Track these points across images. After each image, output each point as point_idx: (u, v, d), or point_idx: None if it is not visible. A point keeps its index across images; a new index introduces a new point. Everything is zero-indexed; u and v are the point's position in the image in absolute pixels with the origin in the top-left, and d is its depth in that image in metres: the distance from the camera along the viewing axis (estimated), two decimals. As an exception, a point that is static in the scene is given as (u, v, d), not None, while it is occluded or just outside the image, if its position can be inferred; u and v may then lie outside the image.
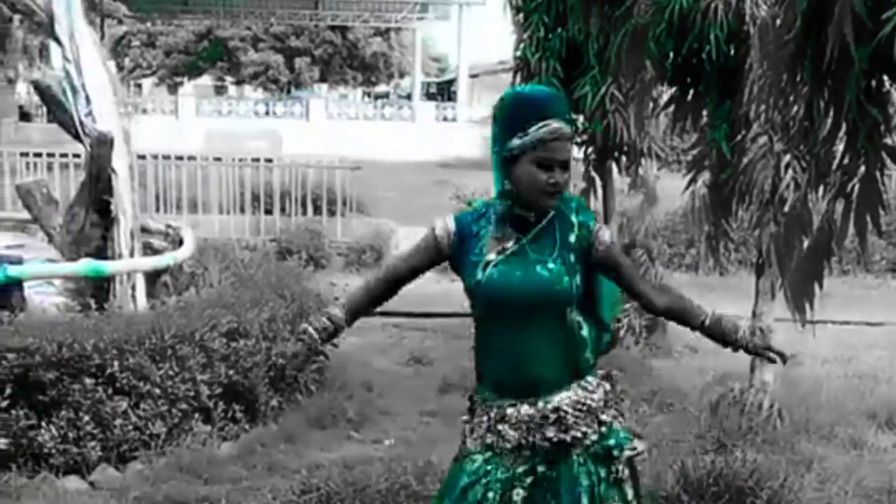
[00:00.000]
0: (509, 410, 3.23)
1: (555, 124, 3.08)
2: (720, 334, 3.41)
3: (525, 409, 3.21)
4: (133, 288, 7.74)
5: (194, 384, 6.68)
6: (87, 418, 6.18)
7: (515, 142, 3.10)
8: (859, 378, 8.80)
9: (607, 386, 3.35)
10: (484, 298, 3.19)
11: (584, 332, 3.29)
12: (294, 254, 14.25)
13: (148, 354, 6.51)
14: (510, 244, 3.17)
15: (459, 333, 9.97)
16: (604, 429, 3.26)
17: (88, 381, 6.20)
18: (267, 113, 39.90)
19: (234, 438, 6.95)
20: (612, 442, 3.26)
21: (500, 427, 3.23)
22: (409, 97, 46.27)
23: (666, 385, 8.32)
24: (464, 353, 9.19)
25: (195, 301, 7.43)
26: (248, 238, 15.55)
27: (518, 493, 3.19)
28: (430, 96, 52.58)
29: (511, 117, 3.15)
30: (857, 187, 4.05)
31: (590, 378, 3.31)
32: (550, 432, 3.20)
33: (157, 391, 6.50)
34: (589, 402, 3.25)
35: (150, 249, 8.65)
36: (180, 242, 8.78)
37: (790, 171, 5.89)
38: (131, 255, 8.00)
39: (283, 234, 15.40)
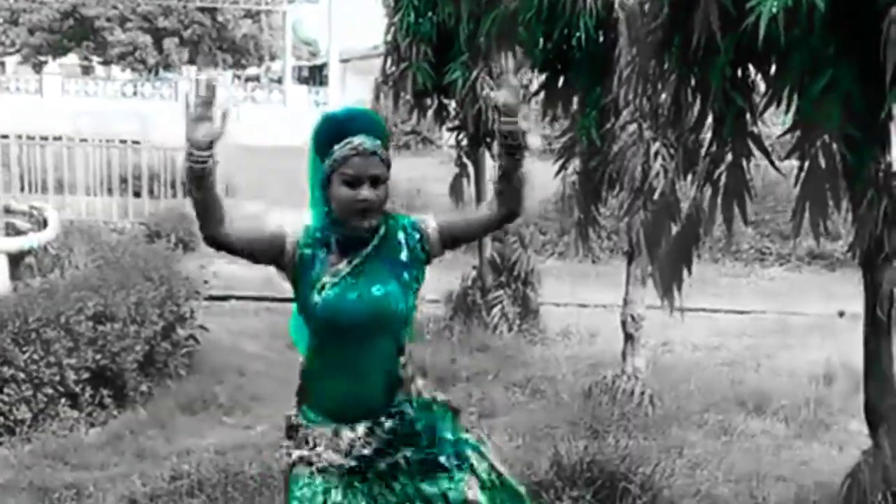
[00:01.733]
0: (328, 433, 3.20)
1: (356, 140, 3.08)
2: (500, 174, 3.24)
3: (347, 433, 3.18)
4: (-5, 269, 7.51)
5: (60, 368, 6.52)
6: (-54, 404, 6.00)
7: (326, 163, 3.11)
8: (729, 365, 9.06)
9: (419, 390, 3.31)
10: (320, 321, 3.14)
11: (404, 371, 3.26)
12: (163, 237, 13.96)
13: (11, 338, 6.33)
14: (342, 266, 3.14)
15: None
16: (425, 439, 3.24)
17: (-52, 365, 6.01)
18: (135, 94, 39.03)
19: (103, 424, 6.81)
20: (434, 451, 3.23)
21: (324, 452, 3.19)
22: (280, 81, 45.75)
23: (539, 372, 8.43)
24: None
25: (60, 284, 7.25)
26: (116, 221, 15.25)
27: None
28: (302, 80, 52.11)
29: (320, 141, 3.16)
30: (724, 175, 4.15)
31: (409, 388, 3.27)
32: (372, 452, 3.18)
33: (22, 375, 6.33)
34: (407, 414, 3.23)
35: (12, 230, 8.40)
36: (44, 224, 8.55)
37: (659, 159, 6.01)
38: (-7, 235, 7.76)
39: (152, 217, 15.12)
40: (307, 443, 3.22)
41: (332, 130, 3.13)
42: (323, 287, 3.11)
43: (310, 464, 3.19)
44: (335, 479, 3.17)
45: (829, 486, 5.41)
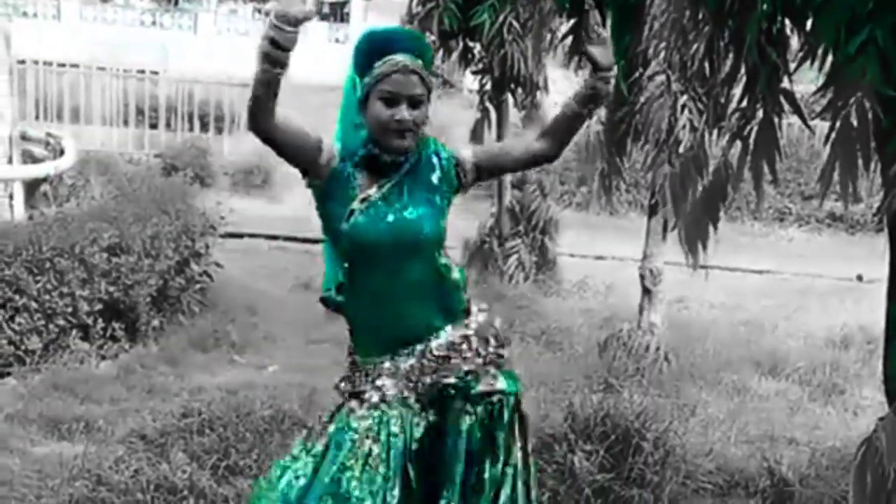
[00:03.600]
0: (387, 364, 3.17)
1: (398, 57, 3.01)
2: (584, 98, 3.24)
3: (402, 361, 3.16)
4: (11, 197, 7.48)
5: (73, 299, 6.51)
6: (-43, 331, 5.99)
7: (365, 80, 3.04)
8: (745, 325, 9.02)
9: (482, 324, 3.28)
10: (351, 246, 3.08)
11: (454, 274, 3.23)
12: (179, 170, 13.88)
13: (25, 266, 6.31)
14: (374, 190, 3.08)
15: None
16: (480, 370, 3.21)
17: (-40, 292, 5.99)
18: (154, 24, 38.73)
19: (114, 358, 6.81)
20: (485, 387, 3.20)
21: (378, 382, 3.16)
22: (301, 16, 45.43)
23: (554, 324, 8.39)
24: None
25: (76, 213, 7.22)
26: (132, 152, 15.20)
27: (413, 443, 3.16)
28: (322, 17, 51.73)
29: (360, 57, 3.08)
30: (754, 131, 4.05)
31: (465, 320, 3.25)
32: (428, 379, 3.16)
33: (34, 305, 6.32)
34: (464, 344, 3.20)
35: (29, 158, 8.36)
36: (61, 152, 8.50)
37: (686, 112, 5.90)
38: (9, 162, 7.72)
39: (169, 150, 15.07)
40: (358, 379, 3.20)
41: (373, 47, 3.05)
42: (354, 210, 3.05)
43: (362, 400, 3.17)
44: (390, 411, 3.14)
45: (843, 451, 5.39)
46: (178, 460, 4.89)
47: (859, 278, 11.23)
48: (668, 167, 5.90)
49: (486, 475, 3.19)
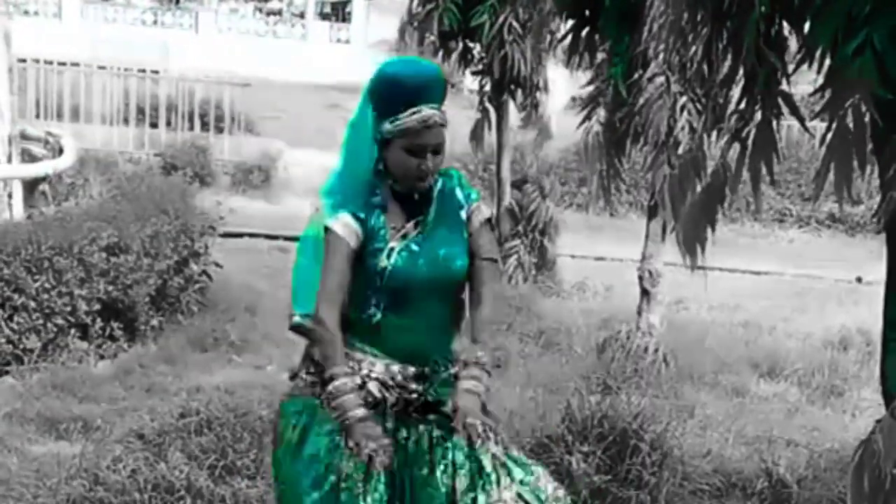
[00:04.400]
0: (378, 366, 3.17)
1: (426, 111, 3.05)
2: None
3: (397, 368, 3.17)
4: (10, 195, 7.48)
5: (71, 299, 6.51)
6: (-44, 329, 5.99)
7: (387, 126, 3.07)
8: (744, 327, 9.02)
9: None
10: (390, 284, 3.11)
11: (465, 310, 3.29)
12: (179, 170, 13.92)
13: (23, 265, 6.31)
14: (410, 228, 3.14)
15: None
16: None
17: (-41, 291, 5.99)
18: (155, 23, 38.71)
19: (112, 357, 6.81)
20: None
21: (367, 384, 3.15)
22: (302, 15, 45.40)
23: (553, 324, 8.39)
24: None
25: (75, 213, 7.22)
26: (132, 151, 15.20)
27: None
28: (324, 16, 51.72)
29: (383, 101, 3.10)
30: (752, 133, 4.05)
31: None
32: (412, 393, 3.17)
33: (33, 304, 6.32)
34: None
35: (28, 156, 8.36)
36: (60, 151, 8.50)
37: (685, 114, 5.90)
38: (9, 161, 7.72)
39: (168, 149, 15.07)
40: (358, 368, 3.17)
41: (401, 95, 3.07)
42: (392, 251, 3.10)
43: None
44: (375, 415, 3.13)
45: (841, 453, 5.39)
46: (176, 460, 4.88)
47: (858, 280, 11.24)
48: (667, 168, 5.91)
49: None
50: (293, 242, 10.88)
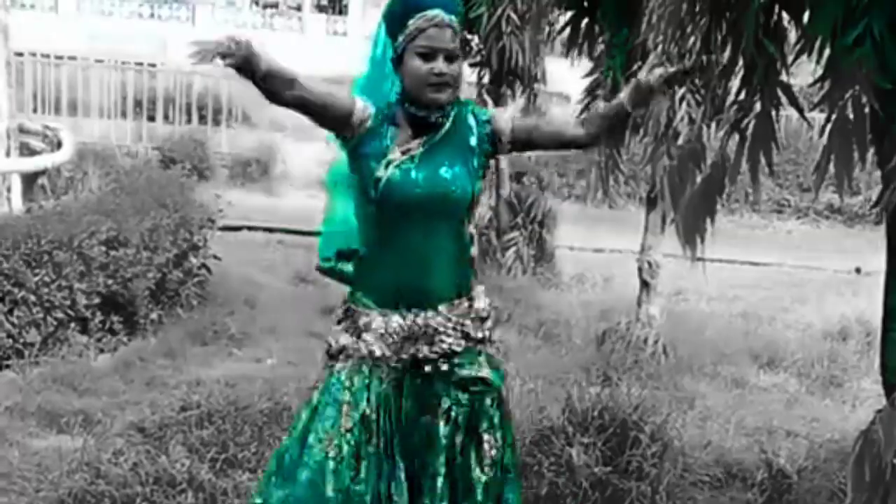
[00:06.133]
0: (378, 320, 3.16)
1: (432, 12, 3.06)
2: (640, 97, 3.39)
3: (396, 320, 3.15)
4: (8, 189, 7.48)
5: (71, 292, 6.50)
6: (-44, 324, 5.99)
7: (399, 39, 3.09)
8: (743, 317, 9.02)
9: (483, 307, 3.28)
10: (383, 197, 3.08)
11: (473, 248, 3.27)
12: (177, 163, 13.90)
13: (23, 259, 6.30)
14: (414, 146, 3.11)
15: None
16: (467, 354, 3.21)
17: (-42, 285, 5.99)
18: (152, 16, 38.65)
19: (112, 351, 6.80)
20: (471, 373, 3.20)
21: (365, 336, 3.16)
22: (299, 8, 45.32)
23: (552, 316, 8.39)
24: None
25: (74, 206, 7.21)
26: (130, 145, 15.18)
27: (391, 403, 3.16)
28: (321, 8, 51.65)
29: (394, 16, 3.13)
30: (751, 124, 4.05)
31: (471, 295, 3.26)
32: (412, 348, 3.15)
33: (32, 298, 6.31)
34: (465, 323, 3.20)
35: (27, 150, 8.35)
36: (59, 145, 8.49)
37: (685, 105, 5.89)
38: (7, 154, 7.71)
39: (166, 143, 15.06)
40: (356, 328, 3.18)
41: (407, 5, 3.09)
42: (390, 163, 3.08)
43: (347, 355, 3.17)
44: (381, 370, 3.15)
45: (841, 444, 5.39)
46: (177, 453, 4.89)
47: (857, 270, 11.24)
48: (666, 159, 5.90)
49: (476, 477, 3.17)
50: (292, 235, 10.96)
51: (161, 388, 6.22)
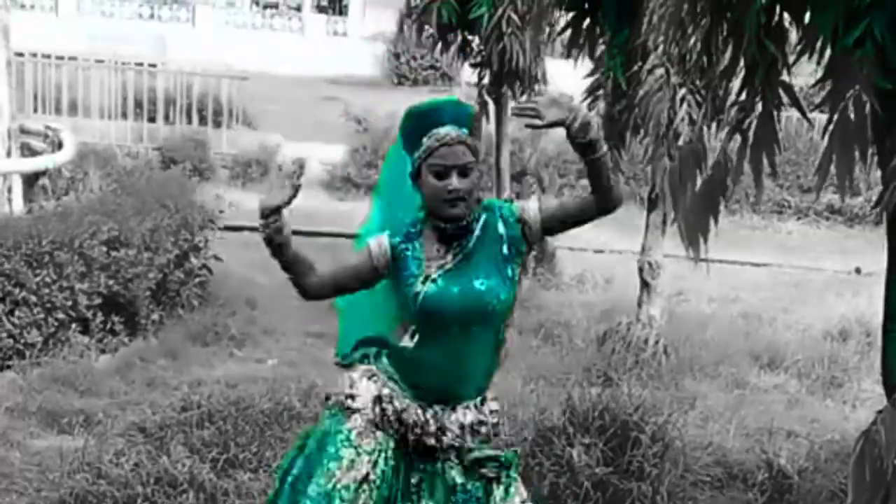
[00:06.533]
0: (398, 401, 3.21)
1: (442, 131, 3.12)
2: (578, 150, 3.21)
3: (414, 409, 3.20)
4: (9, 190, 7.48)
5: (72, 293, 6.51)
6: (-43, 325, 5.99)
7: (414, 156, 3.16)
8: (744, 318, 9.02)
9: (494, 407, 3.34)
10: (421, 313, 3.15)
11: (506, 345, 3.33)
12: (178, 164, 13.93)
13: (24, 260, 6.31)
14: (448, 259, 3.18)
15: (347, 253, 9.85)
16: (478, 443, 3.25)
17: (-40, 286, 5.99)
18: (152, 16, 38.63)
19: (113, 351, 6.81)
20: (482, 453, 3.23)
21: (384, 406, 3.20)
22: (298, 9, 45.31)
23: (553, 317, 8.39)
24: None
25: (75, 207, 7.21)
26: (131, 145, 15.16)
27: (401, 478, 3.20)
28: (321, 9, 51.66)
29: (407, 135, 3.21)
30: (753, 125, 4.05)
31: (486, 395, 3.31)
32: (431, 440, 3.20)
33: (33, 299, 6.32)
34: (480, 424, 3.26)
35: (28, 150, 8.35)
36: (60, 145, 8.49)
37: (685, 105, 5.90)
38: (8, 155, 7.72)
39: (167, 143, 15.04)
40: (377, 397, 3.22)
41: (418, 123, 3.18)
42: (426, 279, 3.14)
43: (363, 416, 3.21)
44: (389, 441, 3.20)
45: (841, 444, 5.40)
46: (178, 453, 4.91)
47: (857, 271, 11.24)
48: (667, 160, 5.91)
49: None
50: (294, 236, 10.95)
51: (162, 388, 6.24)
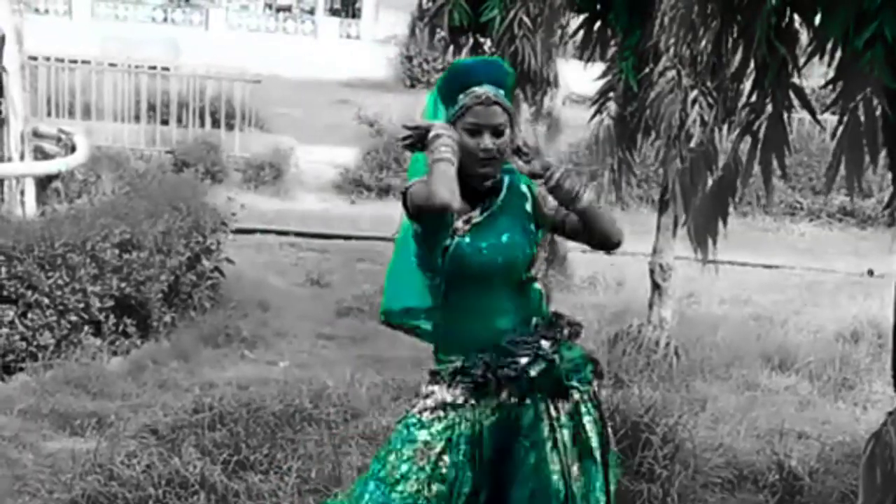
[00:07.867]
0: (458, 365, 3.24)
1: (479, 89, 3.17)
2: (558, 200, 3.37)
3: (475, 361, 3.23)
4: (22, 193, 7.52)
5: (85, 295, 6.53)
6: (-30, 327, 6.02)
7: (450, 112, 3.22)
8: (755, 320, 8.98)
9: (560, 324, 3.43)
10: (451, 265, 3.22)
11: (536, 285, 3.41)
12: (190, 167, 13.97)
13: (37, 262, 6.34)
14: (476, 214, 3.24)
15: (359, 256, 9.90)
16: (555, 357, 3.32)
17: (-27, 288, 6.02)
18: (165, 20, 38.72)
19: (125, 353, 6.83)
20: (560, 371, 3.32)
21: (456, 378, 3.24)
22: (312, 11, 45.40)
23: (564, 319, 8.36)
24: (363, 276, 9.19)
25: (87, 210, 7.24)
26: (143, 148, 15.21)
27: (485, 442, 3.21)
28: (333, 12, 51.75)
29: (445, 91, 3.27)
30: (763, 126, 4.05)
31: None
32: (505, 370, 3.21)
33: (46, 301, 6.34)
34: (550, 328, 3.35)
35: (41, 154, 8.38)
36: (73, 148, 8.52)
37: (696, 107, 5.90)
38: (21, 158, 7.75)
39: (180, 146, 15.08)
40: (439, 384, 3.26)
41: (458, 80, 3.24)
42: (455, 232, 3.20)
43: (439, 402, 3.24)
44: (462, 409, 3.21)
45: (852, 446, 5.39)
46: (190, 455, 4.91)
47: (870, 273, 11.20)
48: (678, 162, 5.91)
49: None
50: (305, 238, 10.98)
51: (174, 390, 6.25)
